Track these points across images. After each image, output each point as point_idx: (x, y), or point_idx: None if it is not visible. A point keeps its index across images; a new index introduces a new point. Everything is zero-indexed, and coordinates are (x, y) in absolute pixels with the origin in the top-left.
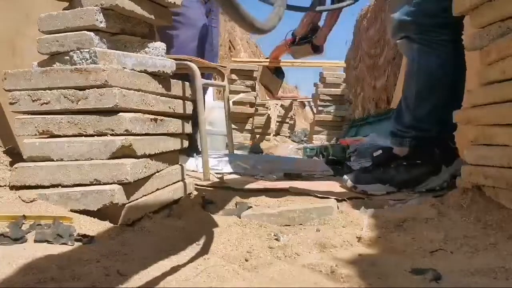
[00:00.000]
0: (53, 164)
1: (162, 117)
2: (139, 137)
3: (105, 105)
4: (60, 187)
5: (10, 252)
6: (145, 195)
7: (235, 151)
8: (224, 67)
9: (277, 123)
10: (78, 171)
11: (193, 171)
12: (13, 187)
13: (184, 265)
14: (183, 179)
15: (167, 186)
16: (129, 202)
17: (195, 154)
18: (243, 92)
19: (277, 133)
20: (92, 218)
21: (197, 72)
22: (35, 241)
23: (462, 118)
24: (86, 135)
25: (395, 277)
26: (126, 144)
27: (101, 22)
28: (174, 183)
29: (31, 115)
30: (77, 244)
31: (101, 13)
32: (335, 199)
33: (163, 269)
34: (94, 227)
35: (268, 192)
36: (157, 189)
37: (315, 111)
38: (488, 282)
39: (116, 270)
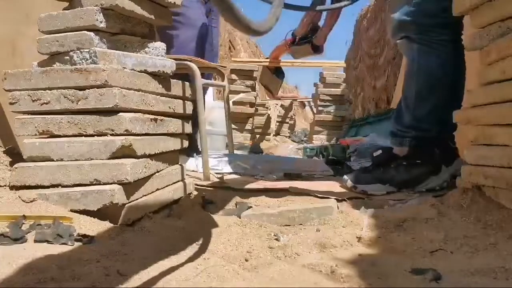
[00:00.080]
0: (53, 164)
1: (162, 117)
2: (139, 137)
3: (105, 105)
4: (60, 187)
5: (10, 252)
6: (145, 195)
7: (235, 151)
8: (224, 67)
9: (277, 123)
10: (78, 171)
11: (193, 171)
12: (13, 187)
13: (184, 265)
14: (183, 179)
15: (167, 186)
16: (129, 202)
17: (195, 154)
18: (243, 92)
19: (277, 133)
20: (92, 218)
21: (197, 72)
22: (35, 241)
23: (462, 118)
24: (86, 135)
25: (395, 277)
26: (126, 144)
27: (101, 22)
28: (174, 183)
29: (31, 115)
30: (77, 244)
31: (101, 13)
32: (335, 199)
33: (163, 269)
34: (94, 227)
35: (268, 192)
36: (157, 189)
37: (315, 111)
38: (488, 282)
39: (116, 270)
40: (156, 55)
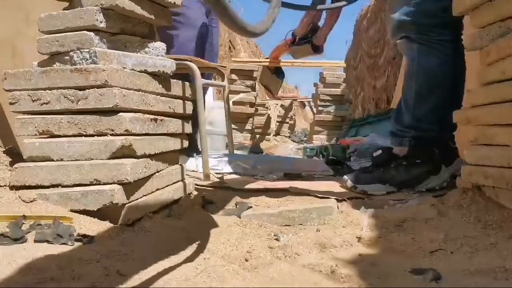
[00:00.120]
0: (53, 164)
1: (162, 117)
2: (139, 137)
3: (105, 105)
4: (60, 187)
5: (10, 252)
6: (145, 195)
7: (235, 151)
8: (224, 67)
9: (277, 123)
10: (78, 171)
11: (193, 171)
12: (13, 187)
13: (184, 265)
14: (183, 179)
15: (167, 186)
16: (129, 202)
17: (195, 154)
18: (243, 92)
19: (277, 133)
20: (92, 218)
21: (197, 72)
22: (35, 241)
23: (462, 118)
24: (86, 135)
25: (395, 277)
26: (126, 144)
27: (101, 22)
28: (174, 183)
29: (31, 115)
30: (77, 244)
31: (101, 13)
32: (335, 199)
33: (163, 269)
34: (94, 227)
35: (268, 192)
36: (157, 189)
37: (315, 111)
38: (488, 282)
39: (116, 270)
40: (156, 55)
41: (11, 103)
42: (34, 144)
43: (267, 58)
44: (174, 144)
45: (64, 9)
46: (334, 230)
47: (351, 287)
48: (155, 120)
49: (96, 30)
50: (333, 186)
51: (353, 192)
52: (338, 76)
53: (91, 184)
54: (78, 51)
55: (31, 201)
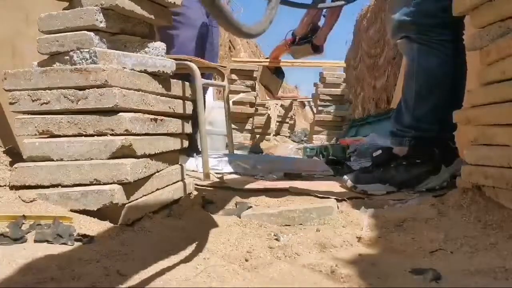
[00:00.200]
0: (53, 164)
1: (162, 117)
2: (139, 137)
3: (105, 105)
4: (60, 187)
5: (10, 252)
6: (145, 195)
7: (235, 151)
8: (224, 67)
9: (277, 123)
10: (78, 171)
11: (193, 171)
12: (13, 187)
13: (184, 265)
14: (183, 179)
15: (167, 186)
16: (129, 202)
17: (195, 154)
18: (243, 92)
19: (277, 133)
20: (92, 218)
21: (197, 72)
22: (35, 241)
23: (462, 118)
24: (86, 135)
25: (395, 277)
26: (126, 144)
27: (101, 22)
28: (174, 183)
29: (31, 115)
30: (77, 244)
31: (101, 13)
32: (335, 199)
33: (163, 269)
34: (94, 227)
35: (268, 192)
36: (157, 189)
37: (315, 111)
38: (488, 282)
39: (116, 270)
40: (156, 55)
41: (11, 103)
42: (34, 144)
43: (267, 58)
44: (174, 144)
45: (64, 9)
46: (334, 230)
47: (351, 287)
48: (155, 120)
49: (96, 30)
50: (333, 186)
51: (353, 192)
52: (338, 76)
53: (91, 184)
54: (78, 51)
55: (31, 201)
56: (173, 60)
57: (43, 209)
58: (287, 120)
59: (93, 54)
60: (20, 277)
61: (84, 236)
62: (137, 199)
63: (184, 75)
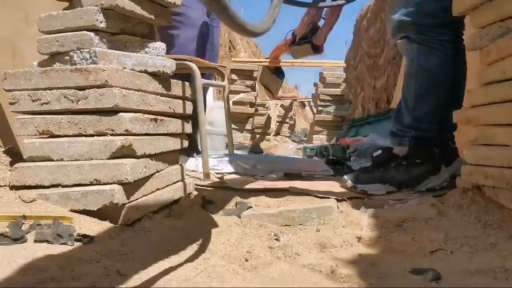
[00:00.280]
0: (53, 164)
1: (162, 117)
2: (139, 137)
3: (105, 105)
4: (60, 187)
5: (10, 252)
6: (145, 195)
7: (235, 151)
8: (224, 67)
9: (277, 123)
10: (78, 171)
11: (193, 171)
12: (13, 187)
13: (184, 265)
14: (183, 179)
15: (167, 186)
16: (129, 202)
17: (195, 154)
18: (243, 92)
19: (277, 133)
20: (92, 218)
21: (197, 72)
22: (35, 241)
23: (462, 118)
24: (86, 135)
25: (395, 277)
26: (126, 144)
27: (101, 22)
28: (174, 183)
29: (31, 115)
30: (77, 244)
31: (101, 13)
32: (335, 199)
33: (163, 269)
34: (94, 227)
35: (268, 192)
36: (157, 189)
37: (315, 111)
38: (488, 282)
39: (116, 270)
40: (156, 55)
41: (11, 103)
42: (34, 144)
43: (267, 58)
44: (174, 144)
45: (64, 9)
46: (334, 230)
47: (351, 287)
48: (155, 120)
49: (96, 30)
50: (333, 186)
51: (353, 192)
52: (338, 76)
53: (91, 184)
54: (78, 51)
55: (31, 201)
56: (173, 60)
57: (43, 209)
58: (287, 120)
59: (93, 54)
60: (20, 277)
61: (84, 236)
62: (137, 199)
63: (184, 75)
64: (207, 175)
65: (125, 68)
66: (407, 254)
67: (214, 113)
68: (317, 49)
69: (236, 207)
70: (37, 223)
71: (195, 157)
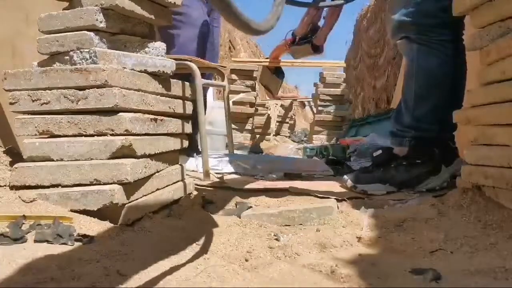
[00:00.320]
0: (53, 164)
1: (162, 117)
2: (139, 137)
3: (105, 105)
4: (60, 187)
5: (10, 252)
6: (145, 195)
7: (235, 151)
8: (224, 67)
9: (277, 123)
10: (78, 171)
11: (193, 171)
12: (13, 187)
13: (184, 265)
14: (183, 179)
15: (167, 186)
16: (129, 202)
17: (195, 154)
18: (243, 92)
19: (277, 133)
20: (92, 218)
21: (197, 72)
22: (35, 241)
23: (462, 118)
24: (86, 135)
25: (395, 277)
26: (126, 144)
27: (101, 22)
28: (174, 183)
29: (31, 115)
30: (77, 244)
31: (101, 13)
32: (335, 199)
33: (163, 269)
34: (94, 227)
35: (268, 192)
36: (157, 189)
37: (315, 111)
38: (488, 282)
39: (116, 270)
40: (156, 55)
41: (11, 103)
42: (34, 144)
43: (267, 58)
44: (174, 144)
45: (64, 9)
46: (334, 230)
47: (351, 287)
48: (155, 120)
49: (96, 30)
50: (333, 186)
51: (353, 192)
52: (338, 76)
53: (91, 184)
54: (78, 51)
55: (31, 201)
56: (173, 60)
57: (43, 209)
58: (287, 120)
59: (93, 54)
60: (20, 277)
61: (84, 236)
62: (137, 199)
63: (184, 75)
64: (207, 175)
65: (125, 68)
66: (407, 254)
67: (214, 113)
68: (317, 49)
69: (236, 207)
70: (37, 223)
71: (195, 157)
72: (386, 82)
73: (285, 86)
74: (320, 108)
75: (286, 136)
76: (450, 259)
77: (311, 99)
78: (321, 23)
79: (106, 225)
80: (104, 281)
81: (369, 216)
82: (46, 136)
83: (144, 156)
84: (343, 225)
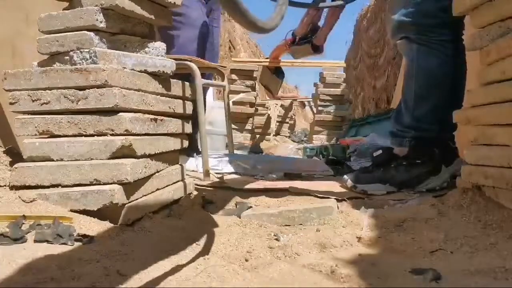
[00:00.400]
0: (53, 164)
1: (162, 117)
2: (139, 137)
3: (105, 105)
4: (60, 187)
5: (10, 252)
6: (145, 195)
7: (235, 151)
8: (224, 67)
9: (277, 123)
10: (78, 171)
11: (193, 171)
12: (13, 187)
13: (184, 265)
14: (183, 179)
15: (167, 186)
16: (129, 202)
17: (195, 154)
18: (243, 92)
19: (277, 133)
20: (92, 218)
21: (197, 72)
22: (35, 241)
23: (462, 118)
24: (86, 135)
25: (395, 277)
26: (126, 144)
27: (101, 22)
28: (174, 183)
29: (31, 115)
30: (77, 244)
31: (101, 13)
32: (335, 199)
33: (163, 269)
34: (94, 227)
35: (268, 192)
36: (157, 189)
37: (315, 111)
38: (488, 282)
39: (116, 270)
40: (156, 55)
41: (11, 103)
42: (34, 144)
43: (267, 58)
44: (174, 144)
45: (64, 9)
46: (334, 230)
47: (351, 287)
48: (155, 120)
49: (96, 30)
50: (333, 186)
51: (353, 192)
52: (338, 76)
53: (91, 184)
54: (78, 51)
55: (31, 201)
56: (173, 60)
57: (43, 209)
58: (287, 120)
59: (93, 54)
60: (20, 277)
61: (84, 236)
62: (137, 199)
63: (184, 75)
64: (207, 175)
65: (125, 68)
66: (407, 254)
67: (214, 113)
68: (317, 49)
69: (236, 207)
70: (37, 223)
71: (195, 157)
72: (386, 82)
73: (285, 86)
74: (320, 108)
75: (286, 136)
76: (450, 259)
77: (311, 99)
78: (321, 23)
79: (106, 225)
80: (104, 281)
81: (369, 216)
82: (46, 136)
83: (144, 156)
84: (343, 225)
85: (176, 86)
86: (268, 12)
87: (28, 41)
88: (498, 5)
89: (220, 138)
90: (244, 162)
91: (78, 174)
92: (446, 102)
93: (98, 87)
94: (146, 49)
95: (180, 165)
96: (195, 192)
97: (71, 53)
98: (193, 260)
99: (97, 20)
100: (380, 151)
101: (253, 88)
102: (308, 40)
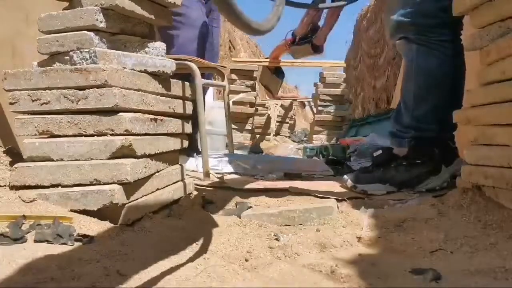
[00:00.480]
0: (53, 164)
1: (162, 117)
2: (139, 137)
3: (105, 105)
4: (60, 187)
5: (10, 252)
6: (145, 195)
7: (235, 151)
8: (224, 67)
9: (277, 123)
10: (78, 171)
11: (193, 171)
12: (13, 187)
13: (184, 265)
14: (183, 179)
15: (167, 186)
16: (129, 202)
17: (195, 154)
18: (243, 92)
19: (277, 133)
20: (92, 218)
21: (197, 72)
22: (35, 241)
23: (462, 118)
24: (86, 135)
25: (395, 277)
26: (126, 144)
27: (101, 22)
28: (174, 183)
29: (31, 115)
30: (77, 244)
31: (101, 13)
32: (335, 199)
33: (163, 269)
34: (94, 227)
35: (268, 192)
36: (157, 189)
37: (315, 111)
38: (488, 282)
39: (116, 270)
40: (156, 55)
41: (11, 103)
42: (34, 144)
43: (267, 58)
44: (174, 144)
45: (64, 9)
46: (334, 230)
47: (351, 287)
48: (155, 120)
49: (96, 30)
50: (333, 186)
51: (353, 192)
52: (338, 76)
53: (91, 184)
54: (78, 51)
55: (31, 201)
56: (173, 60)
57: (43, 209)
58: (287, 120)
59: (93, 54)
60: (20, 277)
61: (84, 236)
62: (137, 199)
63: (184, 75)
64: (207, 175)
65: (125, 68)
66: (407, 254)
67: (214, 113)
68: (317, 49)
69: (236, 207)
70: (37, 223)
71: (195, 157)
72: (386, 82)
73: (285, 86)
74: (320, 108)
75: (286, 136)
76: (450, 259)
77: (311, 99)
78: (321, 23)
79: (106, 225)
80: (104, 281)
81: (369, 216)
82: (46, 136)
83: (144, 156)
84: (343, 225)
85: (176, 86)
86: (266, 12)
87: (28, 41)
88: (498, 5)
89: (220, 138)
90: (244, 162)
91: (78, 174)
92: (446, 102)
93: (98, 87)
94: (146, 49)
95: (180, 165)
96: (195, 192)
97: (71, 53)
98: (193, 260)
99: (97, 20)
100: (380, 151)
101: (253, 88)
102: (308, 40)
